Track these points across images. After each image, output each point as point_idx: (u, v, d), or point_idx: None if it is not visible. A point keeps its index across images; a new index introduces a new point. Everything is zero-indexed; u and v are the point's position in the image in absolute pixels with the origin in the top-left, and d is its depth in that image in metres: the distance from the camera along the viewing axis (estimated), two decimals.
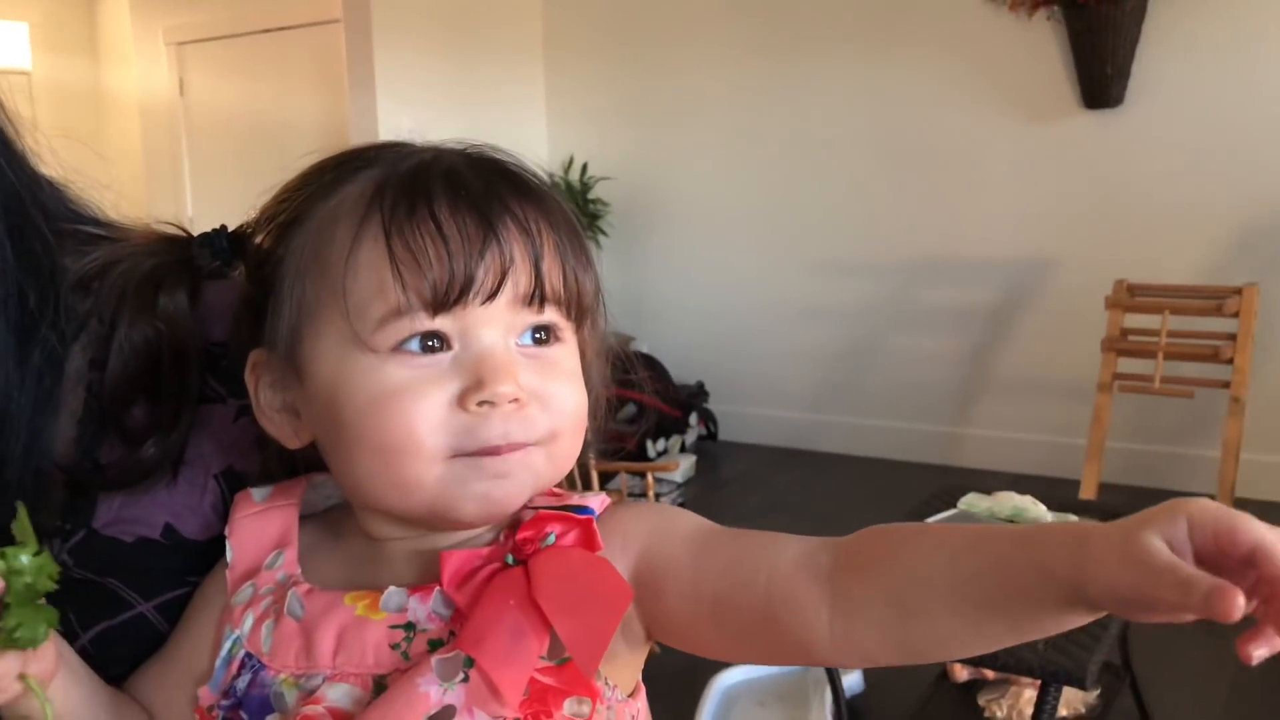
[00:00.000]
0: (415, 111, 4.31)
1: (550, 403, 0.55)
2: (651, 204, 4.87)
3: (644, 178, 4.88)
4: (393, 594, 0.53)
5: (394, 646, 0.52)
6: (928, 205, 4.31)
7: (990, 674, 2.31)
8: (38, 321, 0.57)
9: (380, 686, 0.51)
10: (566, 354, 0.57)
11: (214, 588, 0.59)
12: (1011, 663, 1.72)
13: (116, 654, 0.58)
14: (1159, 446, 3.88)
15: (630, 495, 3.49)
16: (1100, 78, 3.81)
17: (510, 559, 0.53)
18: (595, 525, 0.55)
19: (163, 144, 4.96)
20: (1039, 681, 2.10)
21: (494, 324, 0.53)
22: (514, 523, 0.56)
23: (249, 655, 0.54)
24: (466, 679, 0.50)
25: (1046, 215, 4.08)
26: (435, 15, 4.43)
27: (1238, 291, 3.12)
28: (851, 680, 2.52)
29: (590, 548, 0.54)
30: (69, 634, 0.57)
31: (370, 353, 0.52)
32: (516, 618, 0.50)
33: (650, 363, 4.42)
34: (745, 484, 4.46)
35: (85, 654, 0.58)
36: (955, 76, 4.17)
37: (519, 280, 0.53)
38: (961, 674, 2.35)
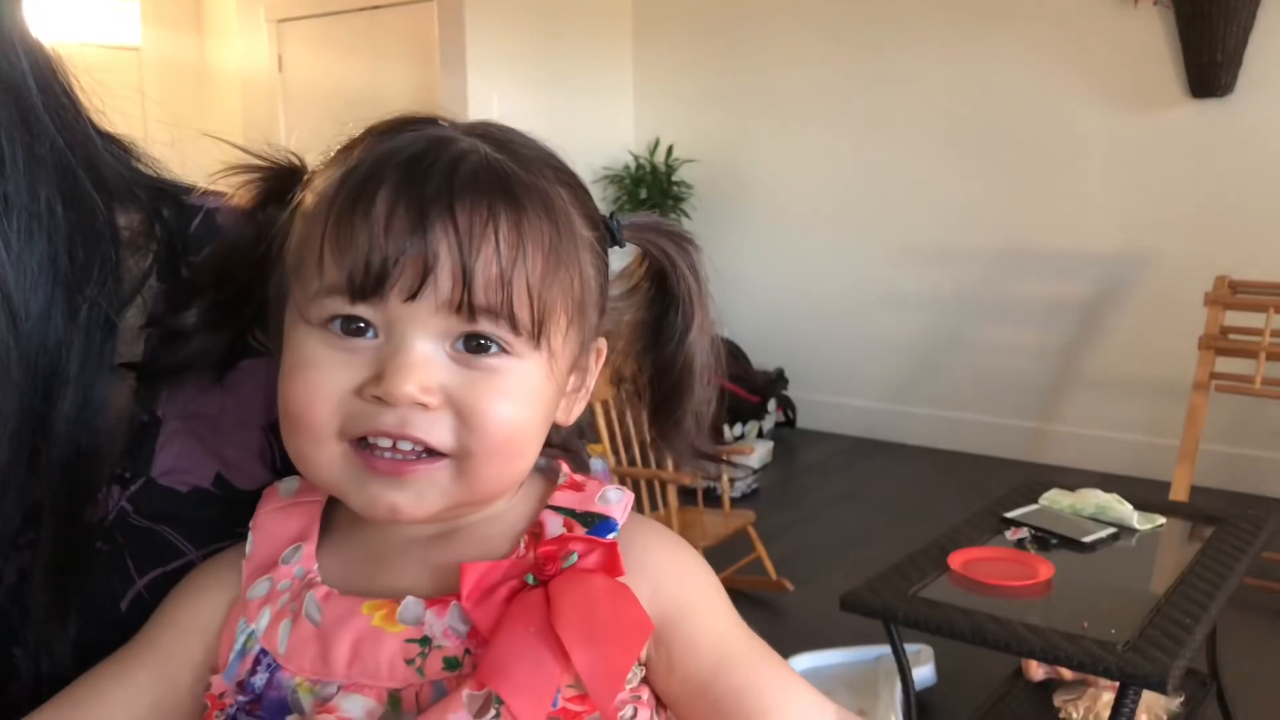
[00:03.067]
0: (504, 90, 4.34)
1: (470, 417, 0.51)
2: (735, 188, 4.84)
3: (729, 161, 4.85)
4: (410, 605, 0.53)
5: (409, 662, 0.51)
6: (1019, 193, 4.20)
7: (1067, 674, 2.25)
8: (88, 280, 0.58)
9: (395, 700, 0.51)
10: (514, 369, 0.53)
11: (214, 579, 0.58)
12: (1088, 662, 1.67)
13: None
14: (1256, 451, 3.73)
15: (704, 479, 3.48)
16: (1209, 65, 3.67)
17: (531, 579, 0.52)
18: (618, 549, 0.53)
19: (261, 119, 5.09)
20: (1118, 684, 2.05)
21: (422, 325, 0.51)
22: (535, 528, 0.56)
23: (264, 652, 0.54)
24: (498, 715, 0.49)
25: (1145, 207, 3.94)
26: None
27: None
28: (923, 673, 2.49)
29: (613, 573, 0.53)
30: (125, 579, 0.59)
31: (304, 323, 0.53)
32: (537, 645, 0.49)
33: (729, 348, 4.41)
34: (822, 472, 4.41)
35: (140, 600, 0.59)
36: (1053, 61, 4.04)
37: (442, 284, 0.50)
38: (1037, 673, 2.30)
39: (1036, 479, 2.57)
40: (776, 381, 4.68)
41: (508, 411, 0.52)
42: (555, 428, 0.60)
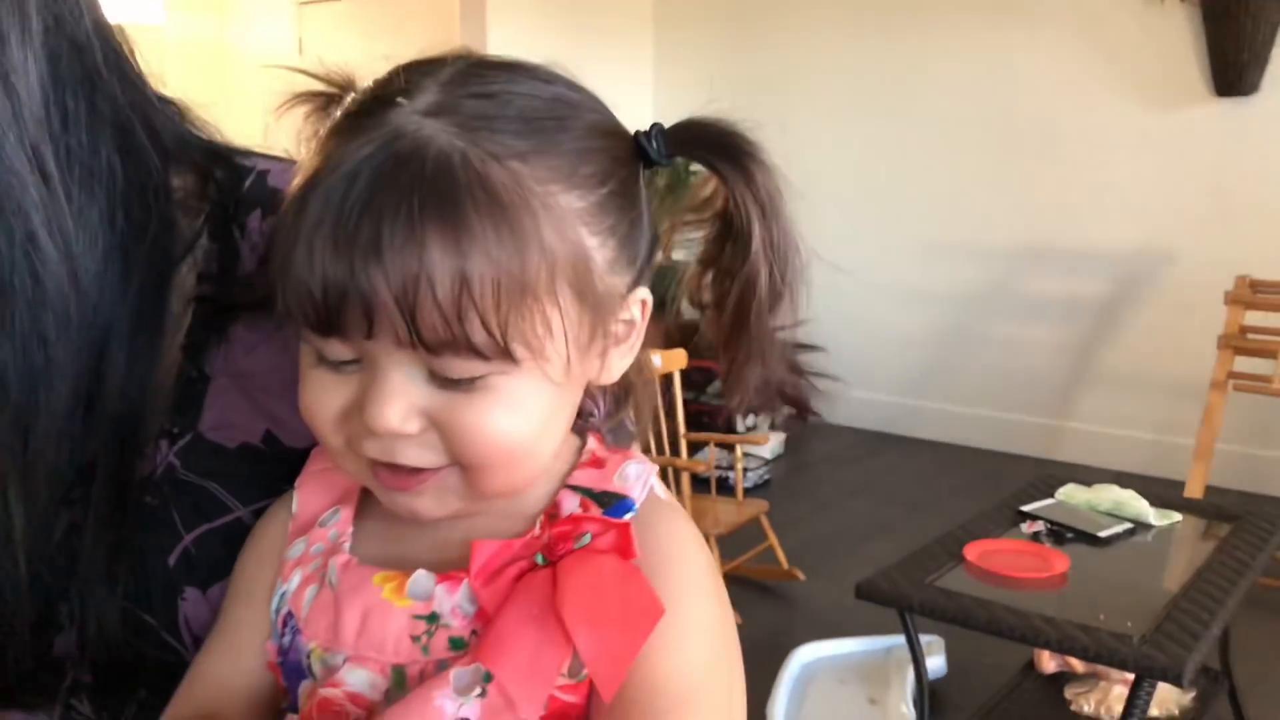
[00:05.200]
0: None
1: (459, 439, 0.49)
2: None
3: None
4: (419, 579, 0.51)
5: (414, 639, 0.50)
6: (1041, 190, 4.19)
7: (1079, 667, 2.26)
8: (142, 237, 0.58)
9: (399, 675, 0.51)
10: (498, 385, 0.49)
11: (268, 543, 0.58)
12: (1105, 655, 1.68)
13: (215, 556, 0.60)
14: (1271, 451, 3.72)
15: (718, 468, 3.49)
16: (1235, 64, 3.65)
17: (540, 559, 0.51)
18: (631, 530, 0.51)
19: (281, 100, 5.11)
20: (1129, 679, 2.05)
21: (388, 355, 0.48)
22: (553, 508, 0.54)
23: (290, 614, 0.54)
24: (484, 694, 0.48)
25: (1167, 205, 3.92)
26: None
27: None
28: (934, 664, 2.49)
29: (625, 554, 0.50)
30: (173, 535, 0.60)
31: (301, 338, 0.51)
32: (539, 628, 0.48)
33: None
34: (834, 464, 4.41)
35: (187, 554, 0.60)
36: (1077, 57, 4.03)
37: (386, 326, 0.47)
38: (1049, 665, 2.30)
39: (1050, 475, 2.57)
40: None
41: (499, 427, 0.50)
42: (592, 393, 0.57)
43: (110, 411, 0.57)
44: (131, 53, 0.60)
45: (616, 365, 0.56)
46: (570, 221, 0.50)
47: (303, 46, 5.08)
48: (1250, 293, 3.19)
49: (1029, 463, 4.09)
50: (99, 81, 0.56)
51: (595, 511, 0.53)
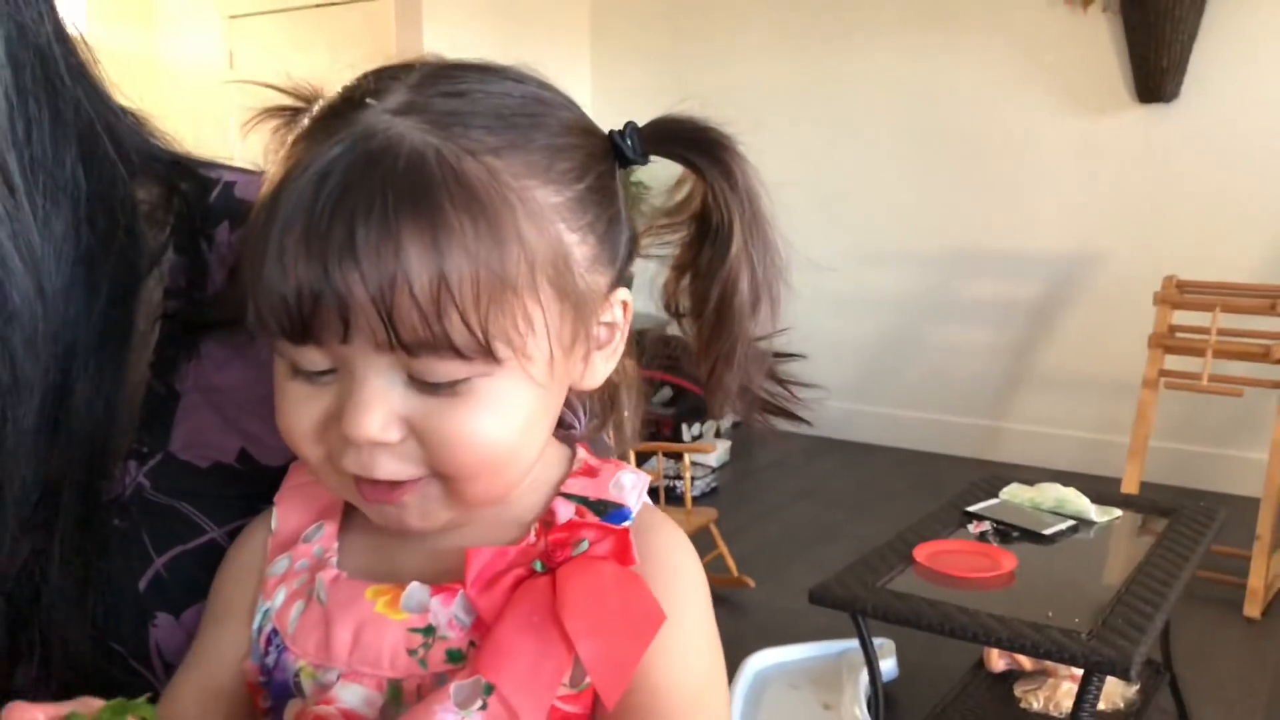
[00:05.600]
0: None
1: (439, 447, 0.48)
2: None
3: None
4: (414, 591, 0.50)
5: (411, 652, 0.49)
6: (973, 196, 4.27)
7: (1027, 664, 2.29)
8: (109, 251, 0.57)
9: (395, 690, 0.49)
10: (479, 388, 0.48)
11: (247, 561, 0.56)
12: (1055, 651, 1.70)
13: (189, 579, 0.58)
14: (1204, 447, 3.83)
15: (666, 478, 3.49)
16: (1155, 71, 3.76)
17: (539, 565, 0.50)
18: (630, 537, 0.50)
19: (212, 116, 5.00)
20: (1077, 674, 2.08)
21: (368, 361, 0.47)
22: (547, 515, 0.53)
23: (275, 631, 0.53)
24: (485, 706, 0.47)
25: (1095, 209, 4.02)
26: None
27: None
28: (886, 667, 2.51)
29: (624, 561, 0.50)
30: (143, 558, 0.58)
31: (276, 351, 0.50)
32: (539, 637, 0.47)
33: (688, 347, 4.41)
34: (779, 470, 4.44)
35: (159, 578, 0.58)
36: (1006, 66, 4.12)
37: (363, 328, 0.45)
38: (998, 663, 2.34)
39: (994, 476, 2.62)
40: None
41: (481, 432, 0.48)
42: (574, 395, 0.56)
43: (77, 430, 0.55)
44: (94, 62, 0.58)
45: (599, 369, 0.55)
46: (548, 217, 0.49)
47: (234, 59, 4.99)
48: (1178, 293, 3.28)
49: (970, 464, 4.16)
50: (63, 90, 0.54)
51: (592, 519, 0.52)
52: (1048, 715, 2.19)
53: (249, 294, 0.48)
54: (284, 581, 0.54)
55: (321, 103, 0.51)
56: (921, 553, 2.08)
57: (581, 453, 0.57)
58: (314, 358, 0.48)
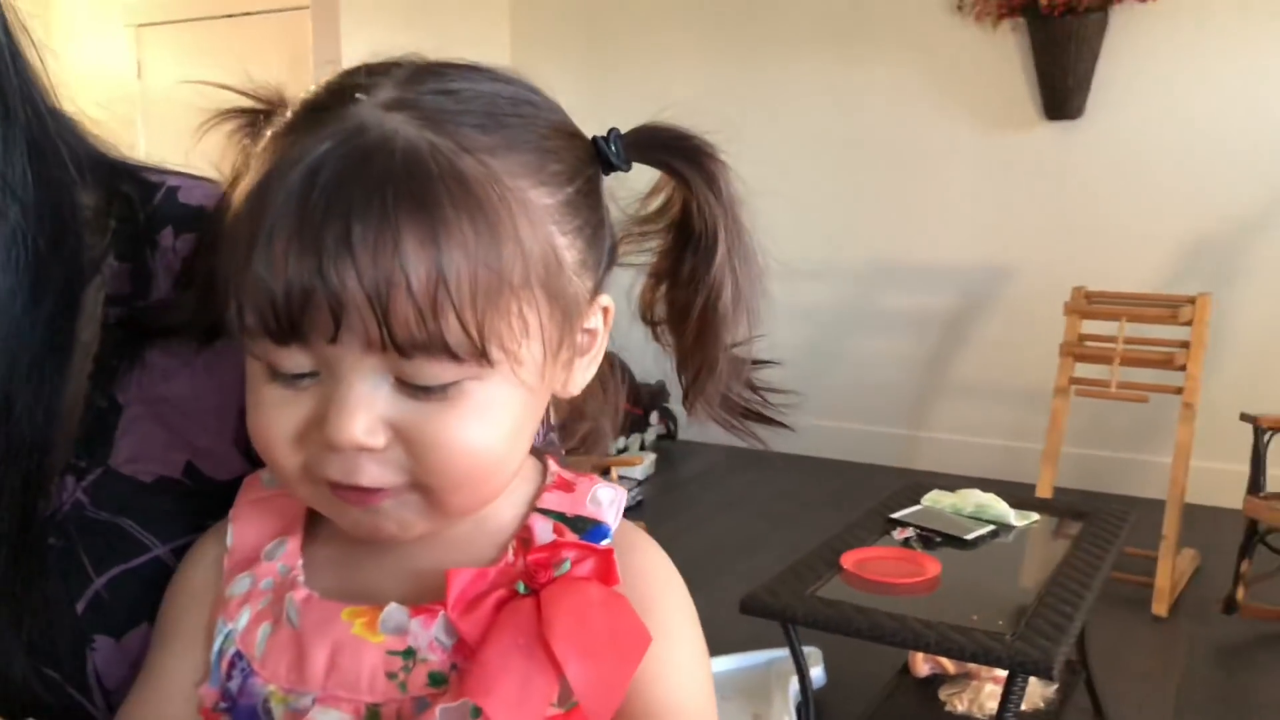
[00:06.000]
0: None
1: (425, 454, 0.46)
2: (609, 200, 4.86)
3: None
4: (393, 612, 0.49)
5: (390, 676, 0.48)
6: (888, 210, 4.36)
7: (951, 668, 2.34)
8: (54, 258, 0.54)
9: (373, 715, 0.48)
10: (469, 392, 0.47)
11: (199, 580, 0.54)
12: (980, 654, 1.74)
13: (132, 599, 0.55)
14: (1112, 452, 3.96)
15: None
16: (1061, 89, 3.89)
17: (522, 587, 0.49)
18: (614, 558, 0.50)
19: (119, 127, 4.85)
20: (999, 676, 2.13)
21: (355, 363, 0.45)
22: (524, 533, 0.52)
23: (239, 655, 0.50)
24: None
25: (1006, 223, 4.14)
26: (404, 4, 4.40)
27: (1191, 300, 3.20)
28: (814, 675, 2.53)
29: (607, 581, 0.49)
30: (81, 579, 0.55)
31: (250, 355, 0.48)
32: (526, 660, 0.46)
33: (611, 360, 4.42)
34: (703, 483, 4.46)
35: (99, 599, 0.55)
36: (919, 83, 4.22)
37: (356, 326, 0.44)
38: (922, 668, 2.38)
39: (917, 484, 2.67)
40: (659, 394, 4.72)
41: (468, 440, 0.47)
42: (555, 402, 0.55)
43: (15, 445, 0.52)
44: (41, 61, 0.56)
45: (579, 377, 0.55)
46: (542, 218, 0.49)
47: (142, 69, 4.86)
48: (1086, 303, 3.39)
49: (889, 472, 4.24)
50: (8, 87, 0.52)
51: (571, 537, 0.51)
52: (971, 717, 2.24)
53: (229, 293, 0.46)
54: (247, 602, 0.52)
55: (304, 98, 0.50)
56: (849, 560, 2.10)
57: (553, 466, 0.56)
58: (297, 360, 0.46)
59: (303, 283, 0.43)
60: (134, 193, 0.62)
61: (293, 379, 0.47)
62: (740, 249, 0.56)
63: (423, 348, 0.45)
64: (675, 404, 4.81)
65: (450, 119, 0.47)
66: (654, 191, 0.57)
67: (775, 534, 3.65)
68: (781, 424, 0.61)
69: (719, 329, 0.56)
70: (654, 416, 4.67)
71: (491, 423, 0.48)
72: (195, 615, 0.53)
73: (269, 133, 0.49)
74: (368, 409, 0.46)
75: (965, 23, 4.06)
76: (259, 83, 0.53)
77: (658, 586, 0.53)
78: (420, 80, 0.49)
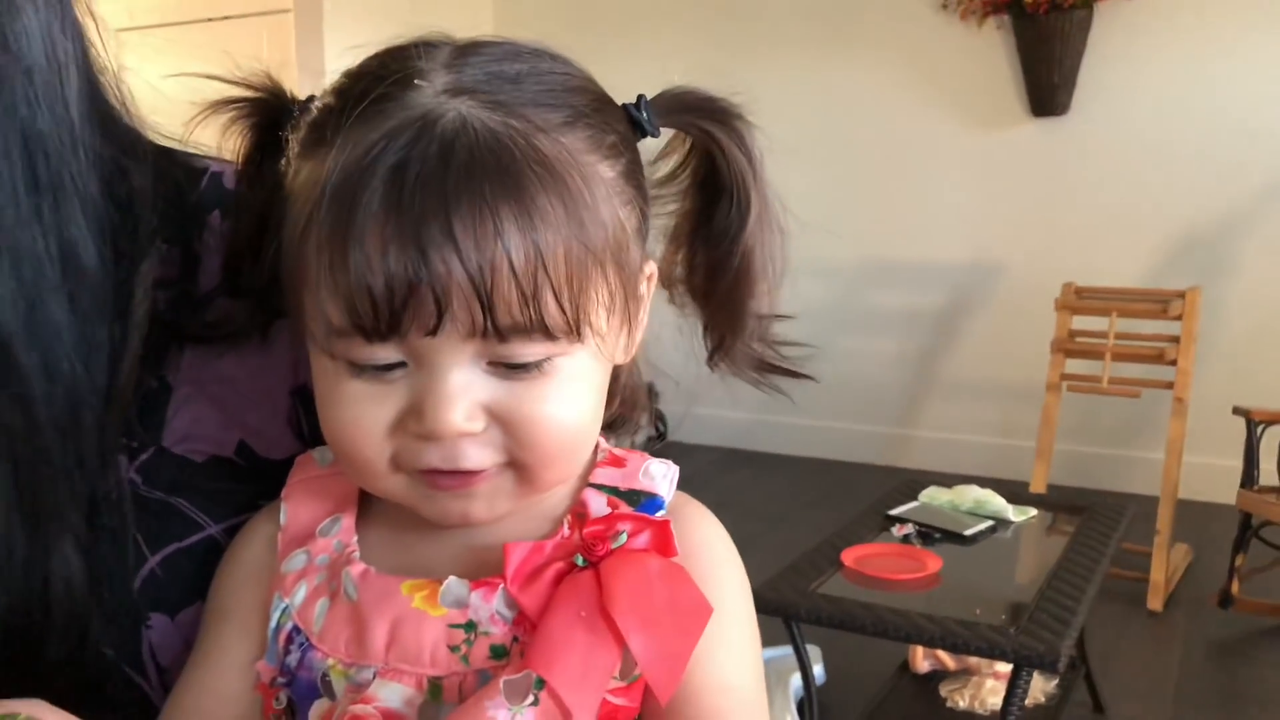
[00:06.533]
0: None
1: (522, 431, 0.47)
2: None
3: None
4: (453, 585, 0.49)
5: (453, 649, 0.48)
6: (876, 208, 4.37)
7: (951, 664, 2.33)
8: (123, 227, 0.55)
9: (435, 688, 0.48)
10: (560, 367, 0.48)
11: (253, 558, 0.54)
12: (985, 648, 1.73)
13: (186, 577, 0.55)
14: (1104, 449, 3.97)
15: None
16: (1047, 86, 3.90)
17: (580, 560, 0.49)
18: (670, 528, 0.50)
19: None
20: (1000, 671, 2.13)
21: (451, 352, 0.46)
22: (579, 507, 0.52)
23: (297, 629, 0.51)
24: (536, 702, 0.46)
25: (994, 220, 4.15)
26: (388, 8, 4.38)
27: (1181, 295, 3.21)
28: (814, 673, 2.52)
29: (665, 553, 0.49)
30: (137, 557, 0.55)
31: (326, 355, 0.48)
32: (588, 632, 0.46)
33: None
34: (693, 484, 4.38)
35: (154, 577, 0.55)
36: (905, 82, 4.23)
37: (460, 315, 0.44)
38: (923, 665, 2.37)
39: (913, 481, 2.66)
40: (647, 395, 4.71)
41: (561, 414, 0.48)
42: (615, 371, 0.56)
43: (84, 419, 0.52)
44: (104, 53, 0.55)
45: (632, 344, 0.55)
46: (610, 191, 0.49)
47: (124, 73, 4.82)
48: (1076, 298, 3.40)
49: (880, 471, 4.24)
50: (85, 61, 0.51)
51: (626, 510, 0.52)
52: (973, 713, 2.23)
53: (304, 296, 0.46)
54: (304, 577, 0.52)
55: (348, 88, 0.50)
56: (849, 557, 2.10)
57: (604, 443, 0.57)
58: (384, 352, 0.46)
59: (407, 277, 0.44)
60: (181, 176, 0.61)
61: (379, 371, 0.47)
62: (768, 207, 0.58)
63: (522, 330, 0.46)
64: (665, 405, 4.80)
65: (513, 100, 0.48)
66: (663, 155, 0.58)
67: (769, 534, 3.64)
68: (805, 375, 0.61)
69: (751, 286, 0.57)
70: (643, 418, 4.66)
71: (579, 395, 0.49)
72: (249, 592, 0.53)
73: (307, 124, 0.49)
74: (465, 395, 0.47)
75: (951, 20, 4.07)
76: (247, 70, 0.54)
77: (716, 560, 0.53)
78: (467, 62, 0.50)
